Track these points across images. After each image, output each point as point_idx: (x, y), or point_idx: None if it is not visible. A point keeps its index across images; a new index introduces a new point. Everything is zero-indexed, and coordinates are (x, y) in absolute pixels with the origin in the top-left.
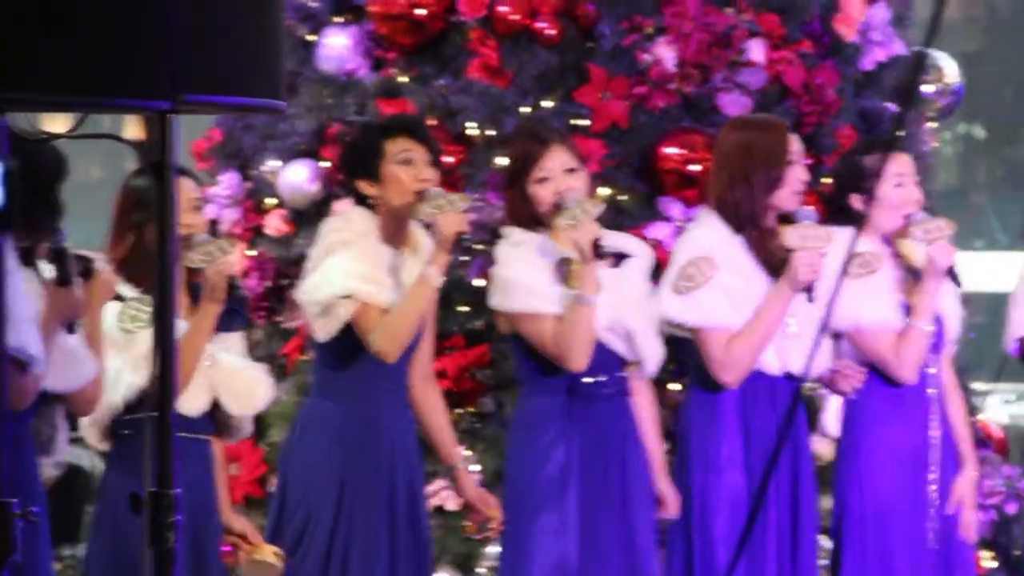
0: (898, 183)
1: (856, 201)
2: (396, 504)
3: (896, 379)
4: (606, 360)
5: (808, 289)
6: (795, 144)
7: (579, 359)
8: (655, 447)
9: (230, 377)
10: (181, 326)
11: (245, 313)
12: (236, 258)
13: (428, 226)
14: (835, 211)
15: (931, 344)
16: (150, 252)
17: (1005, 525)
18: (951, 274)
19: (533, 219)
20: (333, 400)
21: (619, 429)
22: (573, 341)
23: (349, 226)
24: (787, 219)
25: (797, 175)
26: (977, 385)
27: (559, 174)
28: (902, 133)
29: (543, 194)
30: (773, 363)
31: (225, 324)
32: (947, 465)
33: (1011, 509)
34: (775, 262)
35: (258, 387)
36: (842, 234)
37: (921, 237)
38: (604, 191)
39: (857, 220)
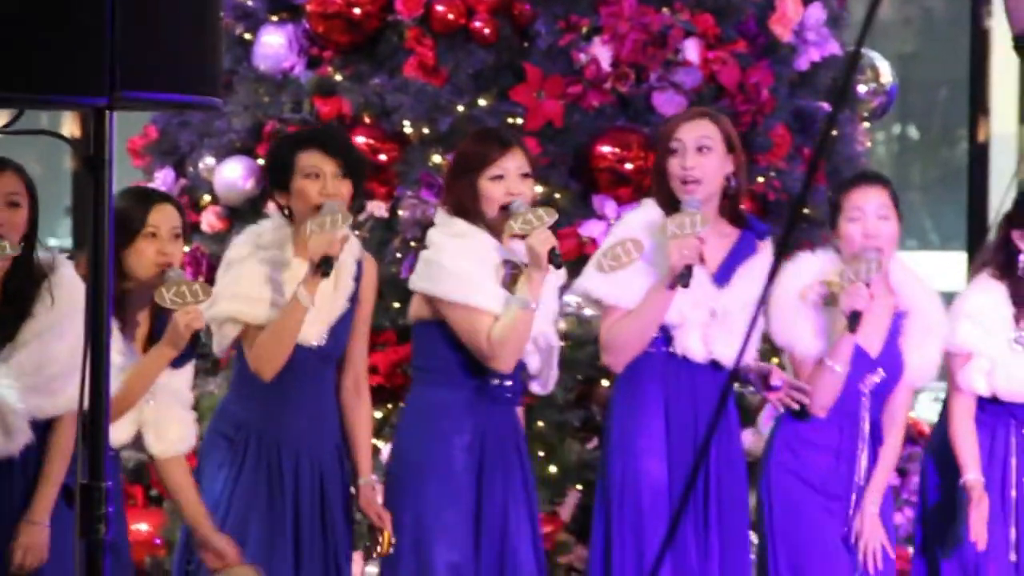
0: (853, 217)
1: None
2: (300, 511)
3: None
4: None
5: (682, 277)
6: (683, 132)
7: (509, 361)
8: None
9: (162, 419)
10: (125, 358)
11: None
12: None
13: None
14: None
15: (874, 390)
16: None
17: None
18: (852, 321)
19: (475, 214)
20: (236, 406)
21: (512, 432)
22: (509, 344)
23: (256, 239)
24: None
25: (678, 162)
26: None
27: (514, 176)
28: (835, 133)
29: (495, 192)
30: (697, 349)
31: (177, 361)
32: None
33: None
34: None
35: (184, 435)
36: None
37: (846, 279)
38: (539, 189)
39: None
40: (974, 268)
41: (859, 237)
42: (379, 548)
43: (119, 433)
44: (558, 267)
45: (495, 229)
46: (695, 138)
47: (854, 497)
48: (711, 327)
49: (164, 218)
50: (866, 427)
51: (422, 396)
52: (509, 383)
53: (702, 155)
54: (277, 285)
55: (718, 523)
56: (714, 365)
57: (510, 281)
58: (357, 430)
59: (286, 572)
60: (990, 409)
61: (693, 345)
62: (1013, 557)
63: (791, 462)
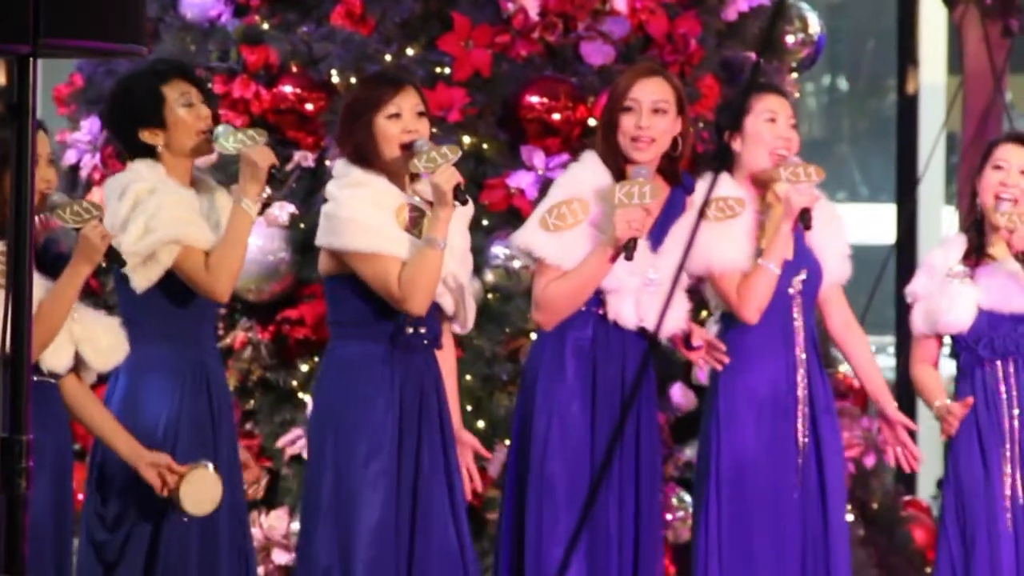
0: (769, 118)
1: (735, 142)
2: (219, 443)
3: (741, 319)
4: (428, 312)
5: (627, 247)
6: (639, 91)
7: (422, 302)
8: (454, 395)
9: (91, 332)
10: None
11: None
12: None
13: (413, 177)
14: (716, 157)
15: (802, 290)
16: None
17: (863, 478)
18: (804, 219)
19: (375, 159)
20: (165, 349)
21: (432, 379)
22: (419, 284)
23: (144, 176)
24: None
25: (632, 121)
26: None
27: (410, 114)
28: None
29: (392, 131)
30: (629, 316)
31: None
32: (817, 408)
33: (869, 462)
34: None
35: (118, 342)
36: (706, 178)
37: (784, 178)
38: (466, 139)
39: (728, 164)
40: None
41: (769, 136)
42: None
43: (58, 359)
44: (463, 203)
45: (395, 173)
46: (652, 101)
47: (802, 407)
48: (644, 294)
49: (43, 144)
50: (802, 330)
51: (340, 351)
52: (424, 329)
53: (657, 116)
54: (195, 209)
55: (637, 489)
56: (643, 331)
57: (413, 223)
58: None
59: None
60: (965, 358)
61: (625, 312)
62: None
63: (741, 370)
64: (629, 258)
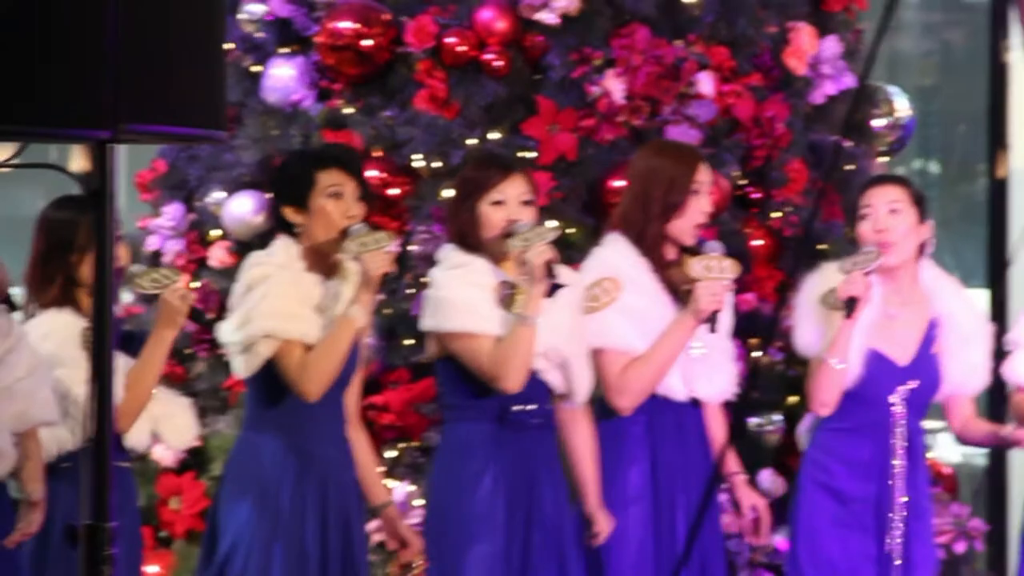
0: (864, 215)
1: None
2: (328, 537)
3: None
4: (536, 389)
5: (711, 319)
6: (703, 174)
7: (516, 379)
8: (592, 472)
9: (168, 410)
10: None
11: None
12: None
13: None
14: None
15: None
16: (84, 283)
17: (953, 565)
18: (849, 307)
19: (476, 242)
20: (265, 434)
21: (545, 460)
22: (512, 361)
23: (270, 259)
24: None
25: (699, 206)
26: (927, 423)
27: (515, 202)
28: (852, 167)
29: (495, 218)
30: (679, 388)
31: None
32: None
33: (959, 548)
34: (678, 289)
35: (191, 421)
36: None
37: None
38: (552, 223)
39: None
40: None
41: (870, 232)
42: (413, 572)
43: (137, 438)
44: (553, 281)
45: (495, 255)
46: (707, 181)
47: (897, 515)
48: (691, 365)
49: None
50: (899, 440)
51: (449, 435)
52: (532, 407)
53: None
54: (306, 301)
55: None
56: (695, 403)
57: (507, 300)
58: (365, 458)
59: None
60: None
61: (674, 384)
62: None
63: (820, 475)
64: (713, 330)
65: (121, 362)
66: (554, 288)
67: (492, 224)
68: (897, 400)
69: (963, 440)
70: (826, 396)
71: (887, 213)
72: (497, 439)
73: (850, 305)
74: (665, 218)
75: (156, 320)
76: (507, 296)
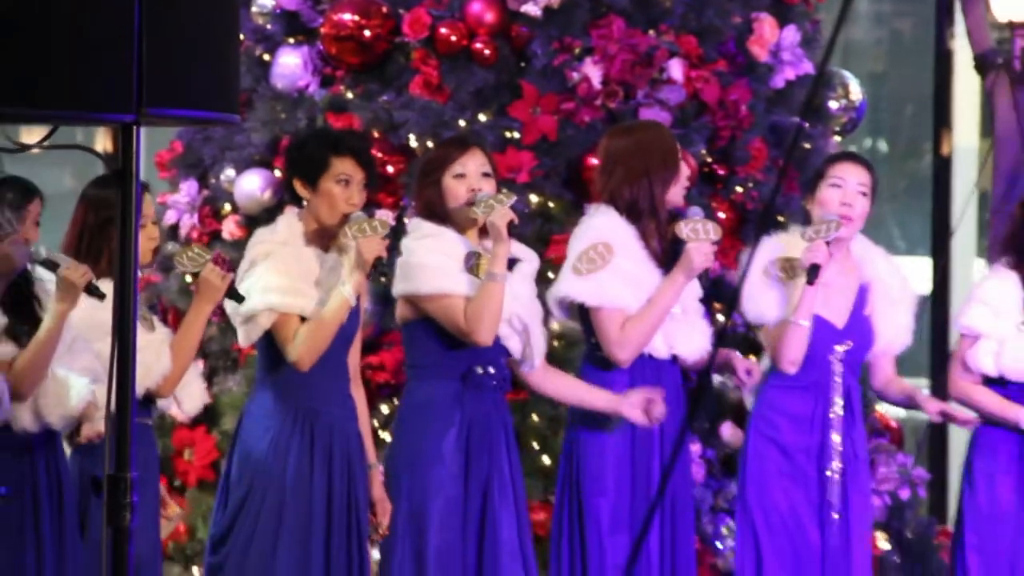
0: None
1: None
2: (332, 489)
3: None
4: (495, 354)
5: (810, 272)
6: (678, 143)
7: (488, 332)
8: (587, 389)
9: (185, 379)
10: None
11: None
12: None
13: (482, 232)
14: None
15: (849, 352)
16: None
17: (899, 510)
18: (811, 274)
19: (443, 212)
20: (275, 391)
21: (502, 422)
22: (484, 314)
23: (273, 236)
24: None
25: (684, 172)
26: None
27: (475, 174)
28: (808, 146)
29: (458, 190)
30: (660, 347)
31: None
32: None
33: (904, 495)
34: (663, 252)
35: (202, 388)
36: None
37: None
38: (534, 199)
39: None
40: (990, 258)
41: (836, 202)
42: (378, 532)
43: (195, 399)
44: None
45: (462, 226)
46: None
47: (837, 464)
48: (671, 324)
49: (148, 206)
50: (838, 394)
51: (415, 392)
52: (493, 370)
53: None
54: (306, 276)
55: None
56: (674, 359)
57: (474, 268)
58: (363, 416)
59: (318, 550)
60: (999, 393)
61: (656, 343)
62: None
63: (767, 429)
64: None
65: (164, 333)
66: (512, 262)
67: (456, 195)
68: (835, 359)
69: (882, 397)
70: (795, 354)
71: (856, 191)
72: (460, 397)
73: (813, 271)
74: (665, 187)
75: (196, 295)
76: (473, 265)
